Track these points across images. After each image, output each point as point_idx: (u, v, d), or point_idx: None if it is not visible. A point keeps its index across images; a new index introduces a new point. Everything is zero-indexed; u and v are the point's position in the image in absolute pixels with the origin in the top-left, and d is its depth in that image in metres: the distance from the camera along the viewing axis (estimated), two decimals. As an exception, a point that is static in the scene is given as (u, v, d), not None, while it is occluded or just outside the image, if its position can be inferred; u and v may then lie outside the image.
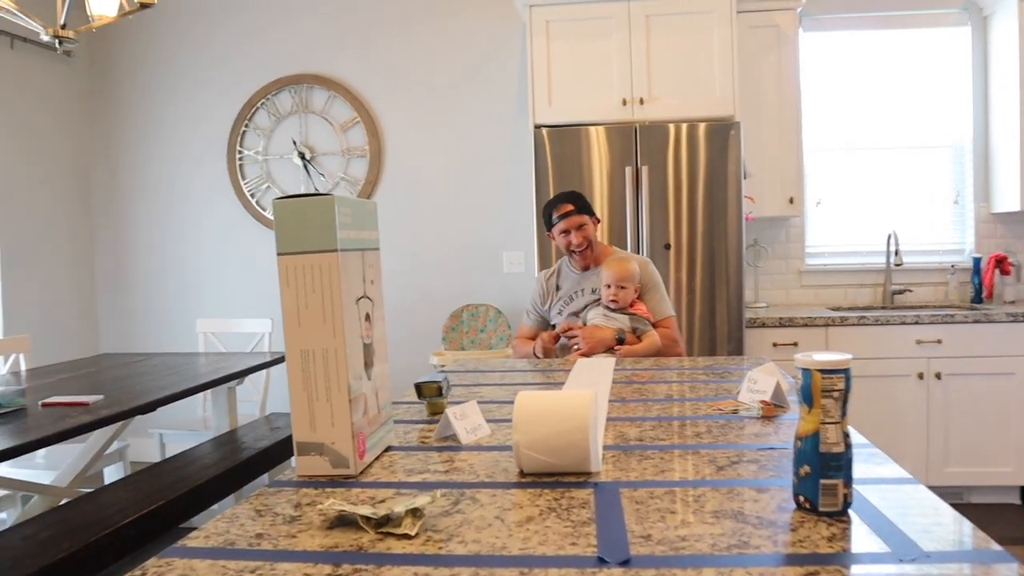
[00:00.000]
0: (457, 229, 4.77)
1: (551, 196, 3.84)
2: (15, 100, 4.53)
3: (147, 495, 2.73)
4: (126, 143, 5.14)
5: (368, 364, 1.33)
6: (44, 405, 2.68)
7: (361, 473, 1.28)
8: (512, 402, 1.88)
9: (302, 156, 4.84)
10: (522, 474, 1.25)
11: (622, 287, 2.83)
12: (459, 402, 1.87)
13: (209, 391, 3.82)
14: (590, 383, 1.99)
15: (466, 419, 1.54)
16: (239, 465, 3.17)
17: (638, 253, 3.77)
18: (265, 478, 3.90)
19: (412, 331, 4.70)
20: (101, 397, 2.78)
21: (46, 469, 3.31)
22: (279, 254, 1.21)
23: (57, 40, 2.91)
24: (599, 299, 2.90)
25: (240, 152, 4.94)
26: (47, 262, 4.79)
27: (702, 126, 3.78)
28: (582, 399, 1.24)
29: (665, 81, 3.94)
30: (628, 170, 3.78)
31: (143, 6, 3.04)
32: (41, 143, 4.77)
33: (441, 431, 1.53)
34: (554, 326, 3.01)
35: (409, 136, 4.77)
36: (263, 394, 4.15)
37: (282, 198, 1.20)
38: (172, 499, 2.71)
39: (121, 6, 3.14)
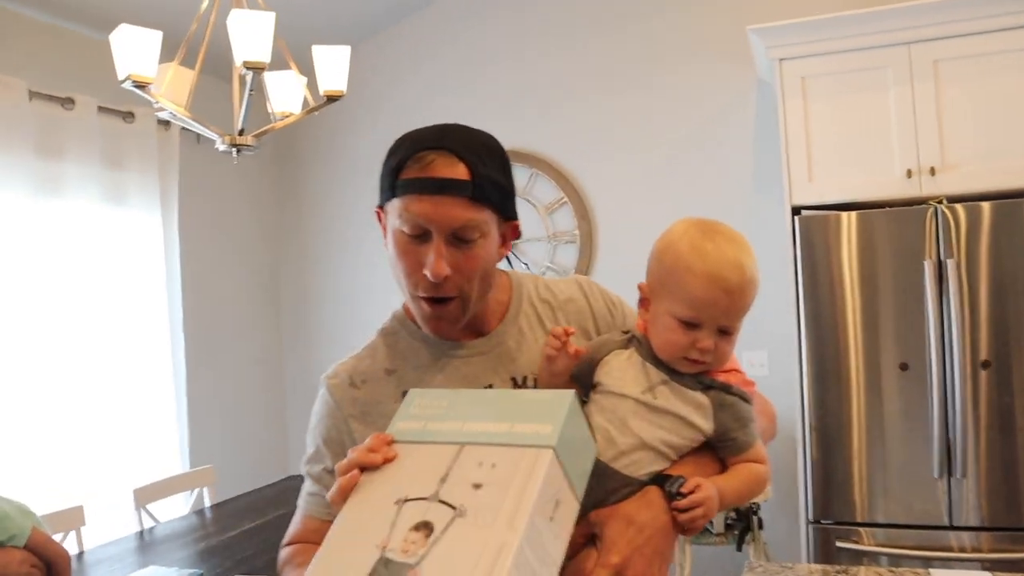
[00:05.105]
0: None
1: (826, 290, 3.02)
2: (201, 192, 4.27)
3: None
4: (310, 230, 4.80)
5: None
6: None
7: None
8: None
9: (503, 244, 4.29)
10: None
11: (727, 332, 1.12)
12: None
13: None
14: None
15: None
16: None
17: (944, 370, 2.87)
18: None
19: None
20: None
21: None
22: None
23: (235, 148, 2.47)
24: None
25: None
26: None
27: (1027, 202, 2.85)
28: None
29: (963, 144, 3.02)
30: (927, 264, 2.88)
31: (330, 99, 2.57)
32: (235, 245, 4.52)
33: None
34: None
35: (625, 217, 4.04)
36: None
37: None
38: None
39: (305, 101, 2.70)
